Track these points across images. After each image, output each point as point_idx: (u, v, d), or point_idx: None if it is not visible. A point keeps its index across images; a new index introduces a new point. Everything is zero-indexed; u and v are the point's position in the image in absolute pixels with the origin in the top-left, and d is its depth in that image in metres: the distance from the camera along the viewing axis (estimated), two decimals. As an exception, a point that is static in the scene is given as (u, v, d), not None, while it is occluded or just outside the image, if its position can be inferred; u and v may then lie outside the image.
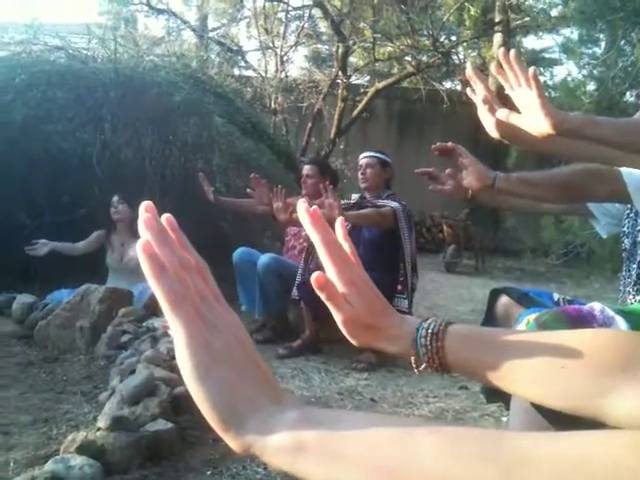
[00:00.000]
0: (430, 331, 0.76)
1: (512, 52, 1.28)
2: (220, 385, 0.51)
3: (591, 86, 7.43)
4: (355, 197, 4.13)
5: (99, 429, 2.06)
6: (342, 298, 0.76)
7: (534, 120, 1.29)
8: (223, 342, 0.52)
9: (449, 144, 1.80)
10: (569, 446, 0.41)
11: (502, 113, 1.37)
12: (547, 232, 7.23)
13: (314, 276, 0.69)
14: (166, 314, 0.51)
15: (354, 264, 0.77)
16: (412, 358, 0.79)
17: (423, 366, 0.78)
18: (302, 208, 0.70)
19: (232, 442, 0.51)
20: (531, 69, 1.26)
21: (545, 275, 8.25)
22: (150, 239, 0.52)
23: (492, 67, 1.35)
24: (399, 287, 3.82)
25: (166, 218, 0.56)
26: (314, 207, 0.71)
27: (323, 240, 0.72)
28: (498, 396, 2.00)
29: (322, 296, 0.73)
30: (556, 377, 0.66)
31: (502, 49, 1.30)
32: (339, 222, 0.80)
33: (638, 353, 0.64)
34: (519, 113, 1.31)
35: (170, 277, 0.51)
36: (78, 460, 1.82)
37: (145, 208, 0.54)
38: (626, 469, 0.37)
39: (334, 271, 0.74)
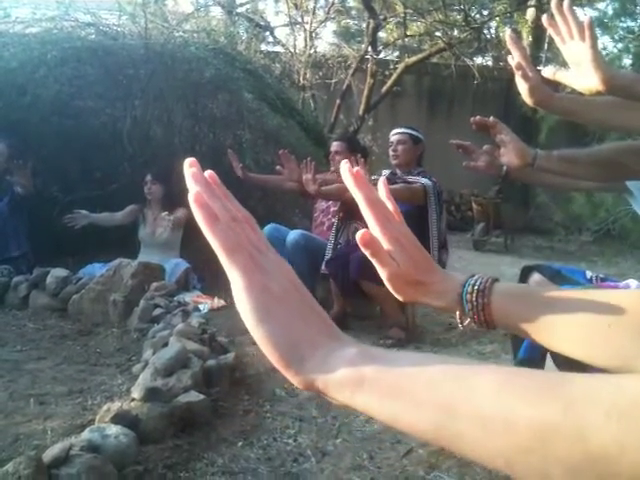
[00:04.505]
0: (476, 287, 0.77)
1: (566, 2, 1.23)
2: (280, 325, 0.52)
3: (627, 60, 7.26)
4: (386, 172, 4.10)
5: (133, 400, 2.10)
6: (387, 255, 0.77)
7: (583, 76, 1.24)
8: (279, 285, 0.53)
9: (490, 119, 1.74)
10: (628, 384, 0.40)
11: (548, 70, 1.34)
12: (578, 205, 7.11)
13: (359, 233, 0.69)
14: (223, 262, 0.52)
15: (398, 222, 0.79)
16: (457, 313, 0.80)
17: (467, 321, 0.79)
18: (345, 168, 0.71)
19: (294, 379, 0.52)
20: (587, 18, 1.21)
21: (576, 254, 8.14)
22: (200, 191, 0.53)
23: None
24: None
25: (209, 174, 0.57)
26: (357, 168, 0.72)
27: (366, 198, 0.73)
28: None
29: (367, 253, 0.74)
30: (602, 336, 0.66)
31: None
32: (382, 182, 0.81)
33: None
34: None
35: (223, 226, 0.53)
36: (113, 429, 1.87)
37: (190, 163, 0.55)
38: None
39: (378, 228, 0.76)
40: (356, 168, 0.72)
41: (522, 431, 0.40)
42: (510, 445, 0.41)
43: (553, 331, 0.71)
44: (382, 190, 0.81)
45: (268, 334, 0.51)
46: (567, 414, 0.39)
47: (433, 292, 0.81)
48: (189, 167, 0.55)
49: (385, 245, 0.76)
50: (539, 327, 0.71)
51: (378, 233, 0.76)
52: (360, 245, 0.71)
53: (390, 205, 0.79)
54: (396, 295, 0.82)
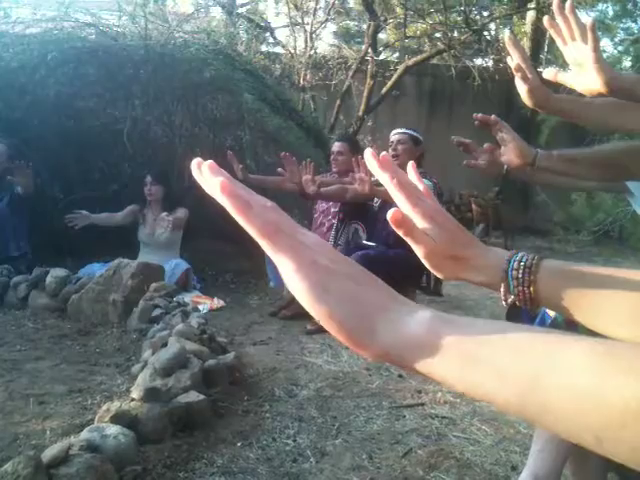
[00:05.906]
0: (522, 264, 0.75)
1: (568, 3, 1.23)
2: (340, 299, 0.49)
3: (627, 62, 7.27)
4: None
5: (133, 400, 2.10)
6: (421, 232, 0.74)
7: (585, 77, 1.24)
8: (327, 258, 0.51)
9: (492, 117, 1.74)
10: None
11: (550, 72, 1.34)
12: (577, 206, 7.12)
13: (390, 213, 0.65)
14: (265, 247, 0.50)
15: (430, 200, 0.76)
16: (501, 290, 0.77)
17: (511, 298, 0.77)
18: (369, 153, 0.69)
19: (367, 353, 0.48)
20: (590, 20, 1.21)
21: (575, 254, 8.14)
22: (225, 180, 0.50)
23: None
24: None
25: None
26: (383, 153, 0.70)
27: (393, 179, 0.71)
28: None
29: (400, 232, 0.71)
30: None
31: (556, 0, 1.24)
32: (411, 165, 0.80)
33: None
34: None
35: (258, 212, 0.50)
36: (113, 429, 1.87)
37: (198, 163, 0.52)
38: None
39: (409, 207, 0.73)
40: (383, 153, 0.70)
41: (617, 405, 0.37)
42: (602, 420, 0.38)
43: (599, 311, 0.68)
44: (412, 173, 0.79)
45: (330, 311, 0.48)
46: None
47: (474, 267, 0.78)
48: (200, 164, 0.52)
49: (419, 223, 0.74)
50: (584, 306, 0.69)
51: (410, 212, 0.73)
52: (392, 225, 0.67)
53: (421, 186, 0.77)
54: (435, 273, 0.79)
